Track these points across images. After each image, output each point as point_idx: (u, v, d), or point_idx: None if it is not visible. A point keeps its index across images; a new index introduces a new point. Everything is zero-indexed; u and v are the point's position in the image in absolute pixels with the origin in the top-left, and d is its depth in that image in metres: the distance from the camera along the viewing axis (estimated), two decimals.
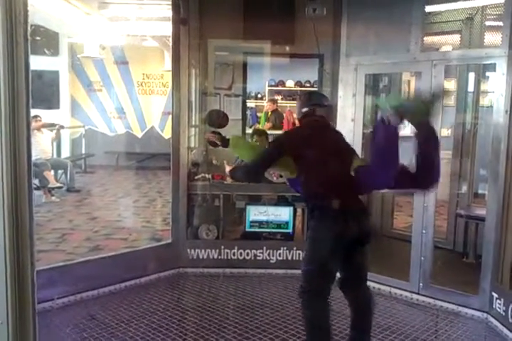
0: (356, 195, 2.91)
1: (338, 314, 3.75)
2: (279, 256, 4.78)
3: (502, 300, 3.70)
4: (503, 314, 3.65)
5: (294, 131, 3.11)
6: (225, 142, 3.41)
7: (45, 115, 8.55)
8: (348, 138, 4.41)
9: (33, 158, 7.59)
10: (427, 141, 2.73)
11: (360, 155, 3.21)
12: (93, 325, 3.65)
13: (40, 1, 6.06)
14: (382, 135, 2.64)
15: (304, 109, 3.15)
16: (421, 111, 2.62)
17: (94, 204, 7.78)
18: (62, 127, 8.96)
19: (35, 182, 7.70)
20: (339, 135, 3.17)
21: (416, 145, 2.73)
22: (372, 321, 3.12)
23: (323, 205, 2.83)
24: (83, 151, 10.87)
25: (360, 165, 2.86)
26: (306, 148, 2.90)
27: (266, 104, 9.38)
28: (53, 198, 7.79)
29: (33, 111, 8.16)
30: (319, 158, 2.87)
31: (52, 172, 8.24)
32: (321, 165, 2.86)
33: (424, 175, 2.75)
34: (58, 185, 8.05)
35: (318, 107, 3.11)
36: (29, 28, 1.45)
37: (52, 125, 8.71)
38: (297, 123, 3.61)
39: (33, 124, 7.98)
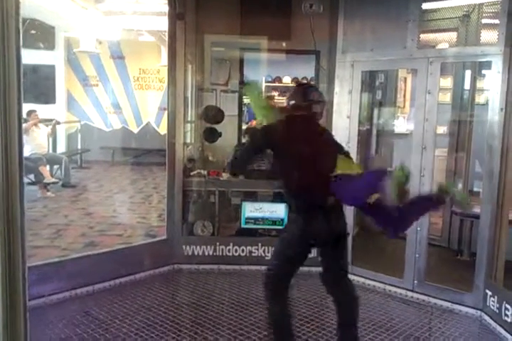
0: (330, 194, 2.85)
1: (327, 309, 3.77)
2: None
3: (496, 297, 3.71)
4: (497, 311, 3.67)
5: (273, 126, 3.01)
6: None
7: (41, 110, 8.52)
8: (344, 135, 4.46)
9: (29, 153, 7.66)
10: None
11: (350, 152, 3.21)
12: (87, 321, 3.64)
13: None
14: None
15: (297, 103, 3.06)
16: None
17: (90, 200, 7.76)
18: (58, 122, 8.93)
19: (31, 177, 7.68)
20: (325, 133, 3.13)
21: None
22: (360, 315, 3.08)
23: (296, 202, 2.90)
24: (79, 146, 10.82)
25: (343, 172, 2.79)
26: (283, 143, 2.88)
27: None
28: (49, 193, 7.76)
29: (29, 106, 8.21)
30: (294, 155, 2.85)
31: (48, 167, 8.21)
32: (296, 161, 2.85)
33: (401, 221, 2.78)
34: (54, 180, 8.02)
35: (314, 104, 3.04)
36: (21, 21, 1.43)
37: (49, 120, 8.69)
38: None
39: (30, 119, 7.97)
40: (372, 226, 5.88)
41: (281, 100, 9.52)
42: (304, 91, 3.11)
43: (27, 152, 7.59)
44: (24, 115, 7.90)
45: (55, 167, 8.66)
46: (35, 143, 8.02)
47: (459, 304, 4.00)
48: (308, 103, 3.01)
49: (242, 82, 3.32)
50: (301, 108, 3.03)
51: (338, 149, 3.04)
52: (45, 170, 7.92)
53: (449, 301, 4.06)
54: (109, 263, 4.35)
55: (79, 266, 4.16)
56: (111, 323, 3.62)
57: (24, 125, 7.38)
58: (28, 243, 1.70)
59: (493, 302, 3.73)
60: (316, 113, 3.05)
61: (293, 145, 2.86)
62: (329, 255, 3.00)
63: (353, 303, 3.03)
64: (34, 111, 8.12)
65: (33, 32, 8.48)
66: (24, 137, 6.19)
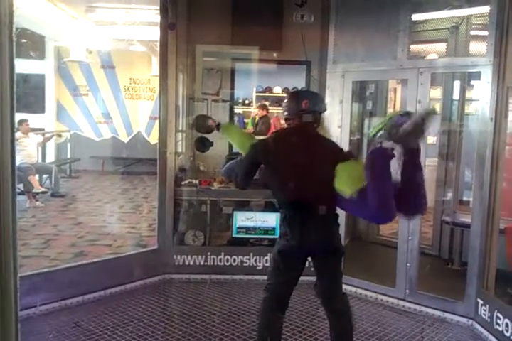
0: (325, 210, 2.79)
1: (319, 318, 3.75)
2: (266, 262, 4.75)
3: (487, 306, 3.72)
4: (488, 320, 3.67)
5: (262, 142, 2.97)
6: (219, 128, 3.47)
7: (31, 119, 8.47)
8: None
9: (18, 162, 7.59)
10: (415, 167, 2.56)
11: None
12: (77, 332, 3.60)
13: (27, 3, 6.01)
14: (376, 159, 2.51)
15: (288, 116, 2.98)
16: (416, 133, 2.41)
17: (79, 210, 7.71)
18: (59, 135, 8.88)
19: (20, 186, 7.61)
20: (320, 142, 2.96)
21: (402, 172, 2.53)
22: (354, 328, 3.06)
23: (288, 213, 2.83)
24: (68, 156, 10.78)
25: (354, 179, 2.63)
26: (273, 157, 2.83)
27: (255, 110, 9.34)
28: (38, 203, 7.71)
29: (19, 115, 8.17)
30: (284, 168, 2.81)
31: (37, 176, 8.16)
32: (285, 174, 2.80)
33: (410, 203, 2.57)
34: (43, 189, 7.98)
35: (304, 114, 2.89)
36: (14, 29, 1.43)
37: (38, 129, 8.66)
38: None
39: (21, 128, 7.95)
40: (363, 236, 5.92)
41: (272, 109, 9.57)
42: (294, 100, 2.96)
43: (16, 161, 7.54)
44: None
45: (44, 176, 8.61)
46: (24, 152, 7.98)
47: (451, 313, 4.00)
48: (298, 114, 2.90)
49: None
50: (293, 119, 2.95)
51: (338, 157, 2.82)
52: (35, 179, 7.88)
53: (440, 310, 4.06)
54: (99, 274, 4.31)
55: (68, 276, 4.12)
56: (101, 334, 3.58)
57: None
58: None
59: (485, 311, 3.73)
60: (308, 123, 2.90)
61: (283, 159, 2.81)
62: (322, 268, 2.93)
63: (346, 320, 2.96)
64: (26, 120, 8.11)
65: (23, 41, 8.46)
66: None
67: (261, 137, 3.30)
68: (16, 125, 7.78)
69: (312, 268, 2.99)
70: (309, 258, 2.94)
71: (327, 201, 2.77)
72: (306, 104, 2.89)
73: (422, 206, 2.63)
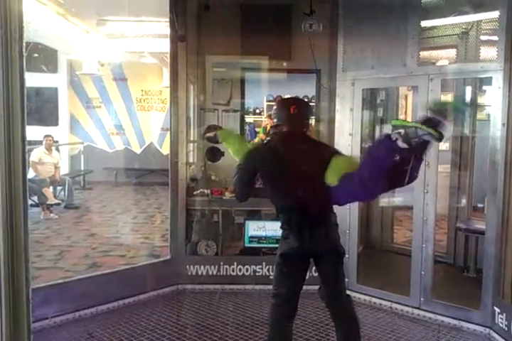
0: (322, 211, 2.85)
1: (328, 326, 3.72)
2: None
3: (504, 314, 3.66)
4: (506, 329, 3.61)
5: (254, 149, 3.03)
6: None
7: (44, 132, 8.60)
8: (347, 153, 4.42)
9: (33, 175, 7.71)
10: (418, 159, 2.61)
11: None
12: None
13: (39, 18, 6.11)
14: (383, 149, 2.55)
15: (278, 122, 3.03)
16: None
17: (93, 221, 7.76)
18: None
19: (34, 198, 7.70)
20: (318, 145, 3.08)
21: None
22: (362, 333, 3.04)
23: (287, 220, 2.86)
24: (82, 168, 10.87)
25: (344, 171, 2.72)
26: (266, 163, 2.87)
27: (265, 120, 9.35)
28: (52, 215, 7.78)
29: (32, 128, 8.28)
30: (277, 173, 2.84)
31: (51, 188, 8.24)
32: (279, 179, 2.84)
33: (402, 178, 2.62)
34: (57, 201, 8.06)
35: (305, 119, 3.03)
36: (24, 45, 1.46)
37: (56, 142, 8.91)
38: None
39: (45, 143, 8.16)
40: (377, 244, 5.88)
41: None
42: (283, 107, 3.04)
43: (31, 174, 7.66)
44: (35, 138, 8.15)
45: (59, 188, 8.68)
46: (43, 168, 8.15)
47: (467, 321, 3.95)
48: (288, 120, 2.97)
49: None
50: (284, 125, 3.00)
51: (332, 157, 2.86)
52: (49, 191, 7.96)
53: (456, 319, 4.00)
54: (112, 285, 4.32)
55: (82, 288, 4.13)
56: None
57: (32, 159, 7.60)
58: (31, 264, 1.69)
59: (502, 319, 3.67)
60: (298, 127, 2.98)
61: (278, 164, 2.83)
62: (324, 270, 2.95)
63: (351, 321, 2.95)
64: (49, 135, 8.30)
65: (35, 55, 8.59)
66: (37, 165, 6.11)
67: None
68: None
69: (316, 273, 2.99)
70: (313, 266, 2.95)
71: (324, 202, 2.82)
72: (294, 110, 2.97)
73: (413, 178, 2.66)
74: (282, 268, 2.89)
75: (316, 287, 3.02)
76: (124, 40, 7.47)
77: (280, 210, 2.93)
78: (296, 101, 3.32)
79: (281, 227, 2.93)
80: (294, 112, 2.96)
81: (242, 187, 3.00)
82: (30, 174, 7.65)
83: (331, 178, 2.74)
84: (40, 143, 8.26)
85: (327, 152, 2.96)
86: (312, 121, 4.44)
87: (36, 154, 8.07)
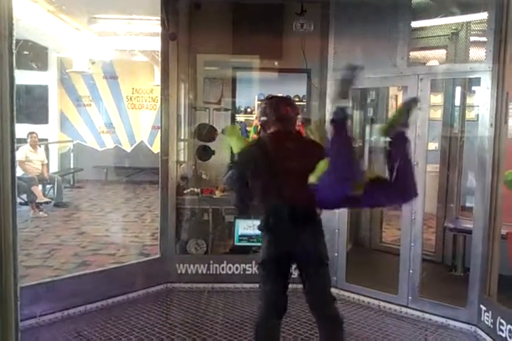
0: (308, 212, 2.82)
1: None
2: None
3: (490, 312, 3.70)
4: (491, 326, 3.65)
5: (254, 146, 3.00)
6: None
7: (34, 130, 8.53)
8: None
9: (21, 173, 7.66)
10: (404, 152, 2.66)
11: None
12: None
13: (29, 15, 6.08)
14: (338, 141, 2.58)
15: (267, 120, 2.99)
16: (398, 120, 2.65)
17: (83, 219, 7.73)
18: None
19: (23, 197, 7.65)
20: (309, 143, 3.03)
21: (391, 158, 2.65)
22: (349, 334, 3.02)
23: (271, 222, 2.84)
24: (72, 166, 10.82)
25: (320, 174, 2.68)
26: (254, 164, 2.84)
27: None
28: (41, 213, 7.73)
29: (22, 126, 8.25)
30: (264, 173, 2.81)
31: (40, 187, 8.20)
32: (266, 179, 2.81)
33: (404, 188, 2.66)
34: (46, 200, 8.02)
35: (284, 119, 2.95)
36: (14, 42, 1.46)
37: (45, 140, 8.82)
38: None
39: (30, 140, 8.09)
40: (366, 243, 5.91)
41: None
42: (271, 106, 3.00)
43: (19, 173, 7.61)
44: (25, 136, 8.08)
45: (48, 186, 8.64)
46: (30, 166, 8.09)
47: (454, 319, 3.98)
48: (278, 119, 2.94)
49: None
50: (272, 124, 2.96)
51: (322, 155, 2.76)
52: (38, 189, 7.92)
53: (443, 317, 4.04)
54: (101, 283, 4.30)
55: (71, 286, 4.12)
56: None
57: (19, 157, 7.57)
58: (20, 263, 1.69)
59: (488, 317, 3.71)
60: (288, 126, 2.96)
61: (269, 163, 2.80)
62: (308, 281, 2.87)
63: (337, 329, 2.88)
64: (33, 132, 8.23)
65: (26, 53, 8.54)
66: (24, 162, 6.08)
67: None
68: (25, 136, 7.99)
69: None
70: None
71: (310, 201, 2.70)
72: (283, 108, 2.97)
73: (415, 187, 2.70)
74: (264, 273, 2.87)
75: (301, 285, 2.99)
76: (115, 38, 7.45)
77: (266, 211, 2.88)
78: (284, 100, 3.28)
79: (263, 229, 2.89)
80: (283, 111, 2.95)
81: (239, 193, 3.00)
82: (18, 172, 7.59)
83: (312, 178, 2.69)
84: (25, 141, 8.19)
85: (317, 151, 2.85)
86: (304, 120, 4.44)
87: (22, 152, 7.95)
